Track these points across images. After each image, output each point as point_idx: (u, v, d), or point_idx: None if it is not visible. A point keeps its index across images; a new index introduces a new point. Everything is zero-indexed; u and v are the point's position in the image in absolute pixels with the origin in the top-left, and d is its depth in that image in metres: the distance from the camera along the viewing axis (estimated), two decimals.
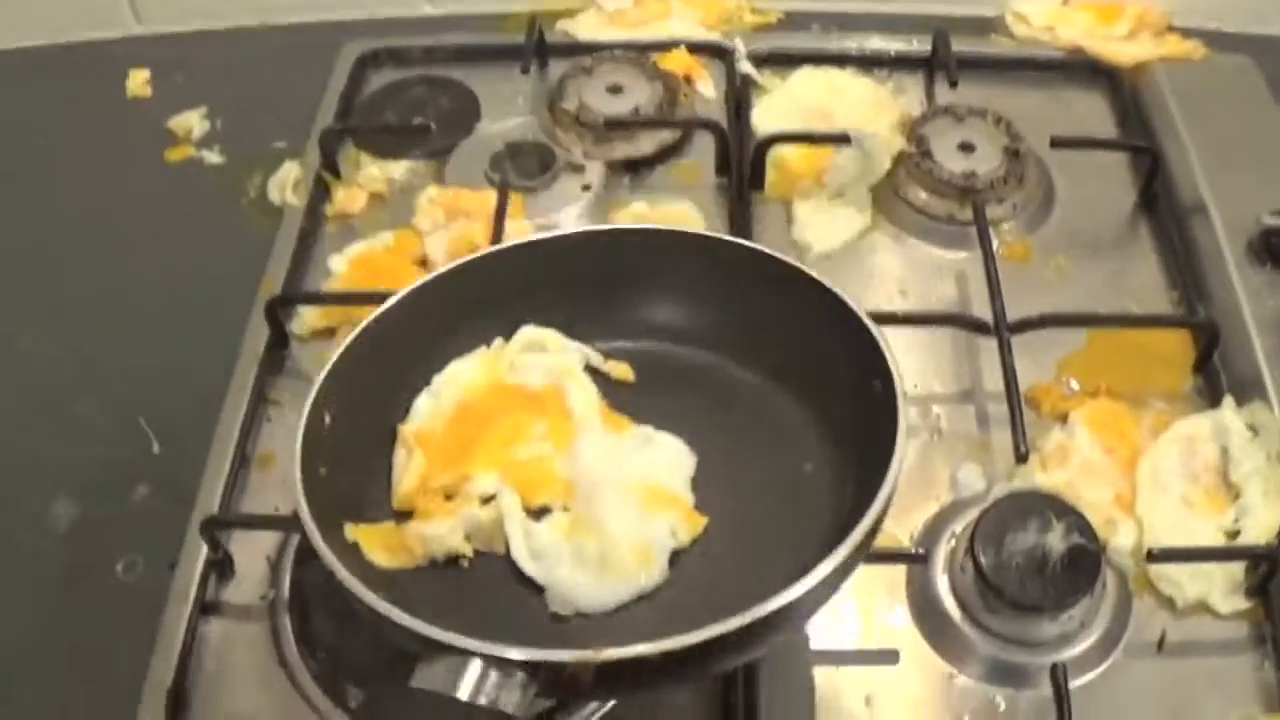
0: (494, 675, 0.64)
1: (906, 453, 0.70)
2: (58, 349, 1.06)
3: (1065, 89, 1.21)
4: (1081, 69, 1.22)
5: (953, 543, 0.85)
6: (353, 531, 0.74)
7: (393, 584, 0.72)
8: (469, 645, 0.64)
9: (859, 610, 0.86)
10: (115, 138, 1.24)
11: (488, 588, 0.75)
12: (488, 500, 0.76)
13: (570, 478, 0.77)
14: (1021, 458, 0.89)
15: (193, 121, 1.24)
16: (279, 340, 1.01)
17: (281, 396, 0.99)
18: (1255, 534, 0.87)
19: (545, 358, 0.83)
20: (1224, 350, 0.98)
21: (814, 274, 0.80)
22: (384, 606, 0.66)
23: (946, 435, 0.95)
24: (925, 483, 0.92)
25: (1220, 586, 0.85)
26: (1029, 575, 0.80)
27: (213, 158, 1.21)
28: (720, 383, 0.84)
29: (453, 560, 0.75)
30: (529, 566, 0.74)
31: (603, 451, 0.79)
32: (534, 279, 0.85)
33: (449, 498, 0.77)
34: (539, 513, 0.76)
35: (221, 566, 0.87)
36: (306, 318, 1.02)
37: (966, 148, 1.08)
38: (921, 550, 0.86)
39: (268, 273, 1.05)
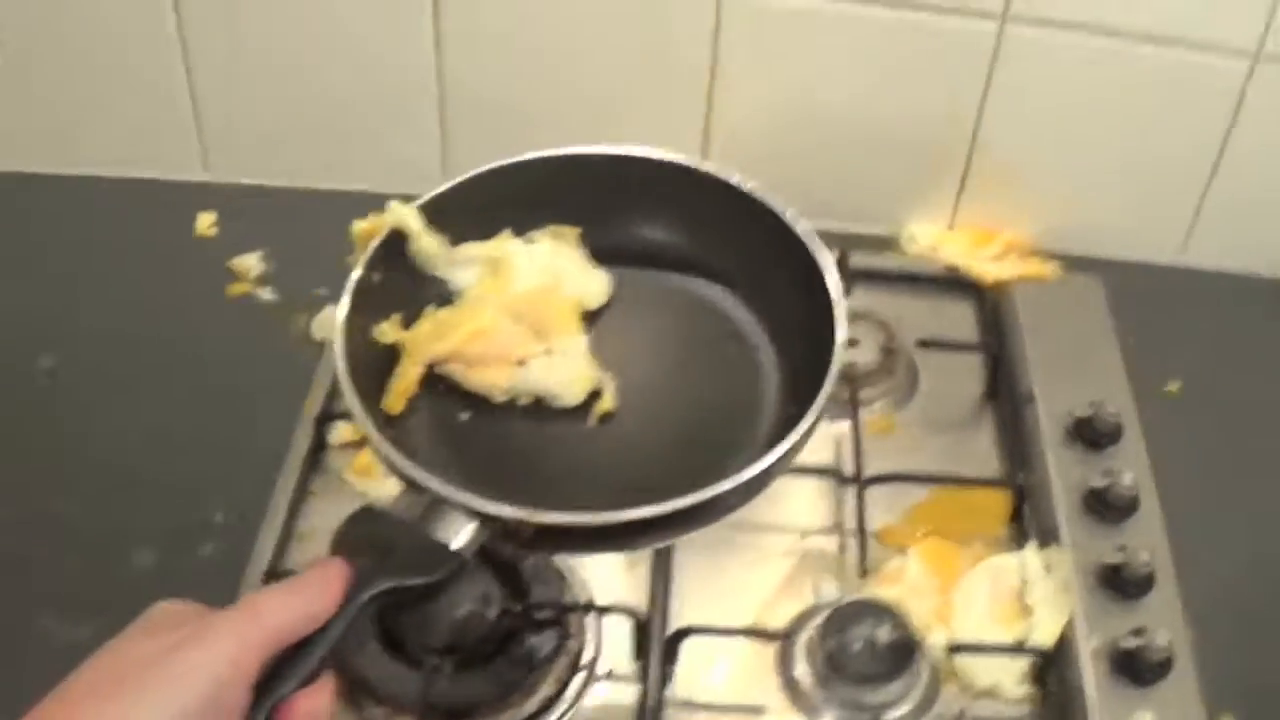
0: (449, 516, 0.76)
1: (843, 355, 0.88)
2: (136, 446, 1.24)
3: (941, 299, 1.42)
4: (955, 284, 1.43)
5: (811, 632, 1.09)
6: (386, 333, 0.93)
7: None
8: (435, 489, 0.77)
9: (735, 676, 1.09)
10: (182, 271, 1.42)
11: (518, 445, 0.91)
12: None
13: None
14: (863, 574, 1.14)
15: (251, 262, 1.42)
16: (318, 446, 1.21)
17: (318, 489, 1.19)
18: (1040, 639, 1.10)
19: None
20: (1033, 506, 1.19)
21: (769, 201, 0.95)
22: (387, 449, 0.79)
23: (814, 556, 1.18)
24: (795, 589, 1.15)
25: (1011, 676, 1.09)
26: (862, 657, 1.05)
27: (266, 295, 1.40)
28: (688, 297, 1.00)
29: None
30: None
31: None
32: (530, 194, 0.99)
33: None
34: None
35: None
36: (341, 431, 1.21)
37: (852, 343, 1.24)
38: (788, 633, 1.10)
39: (311, 394, 1.24)
